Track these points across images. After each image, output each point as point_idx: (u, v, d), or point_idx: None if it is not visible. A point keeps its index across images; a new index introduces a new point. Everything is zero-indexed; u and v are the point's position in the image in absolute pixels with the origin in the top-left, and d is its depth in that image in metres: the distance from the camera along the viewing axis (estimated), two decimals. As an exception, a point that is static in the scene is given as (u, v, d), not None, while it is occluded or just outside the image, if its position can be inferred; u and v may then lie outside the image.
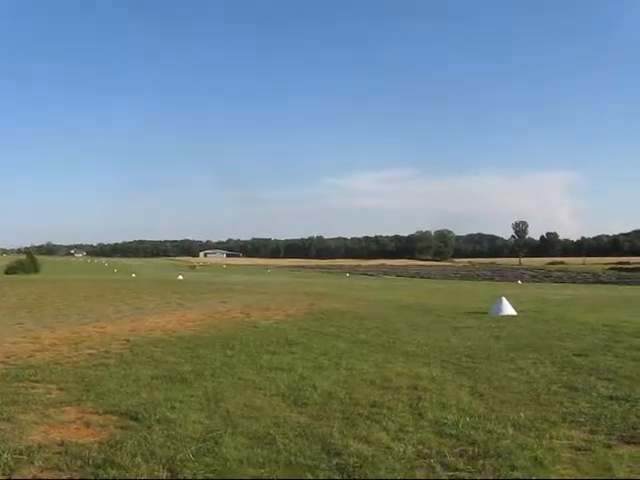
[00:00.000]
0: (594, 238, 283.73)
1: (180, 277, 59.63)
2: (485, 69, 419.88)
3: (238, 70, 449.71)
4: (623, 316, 20.47)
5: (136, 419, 7.49)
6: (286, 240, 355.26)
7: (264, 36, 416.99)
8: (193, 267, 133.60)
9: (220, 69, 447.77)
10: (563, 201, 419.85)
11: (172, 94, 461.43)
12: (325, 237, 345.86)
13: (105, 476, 5.62)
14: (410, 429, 7.15)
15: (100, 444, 6.52)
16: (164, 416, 7.57)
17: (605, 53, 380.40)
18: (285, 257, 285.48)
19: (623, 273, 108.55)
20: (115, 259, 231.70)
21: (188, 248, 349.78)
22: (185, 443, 6.52)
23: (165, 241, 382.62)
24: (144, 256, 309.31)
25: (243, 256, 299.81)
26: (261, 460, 6.04)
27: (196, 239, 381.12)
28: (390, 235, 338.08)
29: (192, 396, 8.69)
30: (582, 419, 7.63)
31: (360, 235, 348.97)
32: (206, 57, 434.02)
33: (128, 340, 14.20)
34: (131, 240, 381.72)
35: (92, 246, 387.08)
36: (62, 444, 6.53)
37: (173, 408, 7.97)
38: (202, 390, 9.07)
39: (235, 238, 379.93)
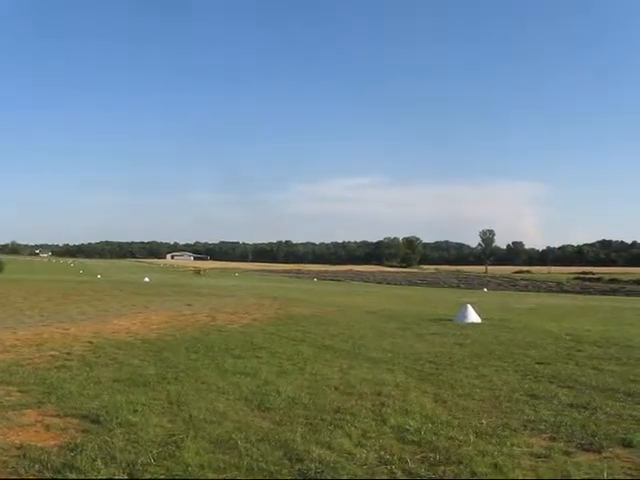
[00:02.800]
0: (559, 248, 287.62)
1: (146, 279, 59.12)
2: (455, 80, 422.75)
3: (206, 74, 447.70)
4: (585, 325, 20.76)
5: (97, 422, 7.41)
6: (254, 244, 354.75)
7: (240, 37, 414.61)
8: (198, 272, 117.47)
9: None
10: (529, 211, 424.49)
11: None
12: (293, 242, 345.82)
13: (64, 480, 5.55)
14: (373, 435, 7.17)
15: (60, 448, 6.44)
16: (126, 419, 7.51)
17: (568, 68, 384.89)
18: (253, 261, 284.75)
19: (587, 283, 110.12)
20: (81, 260, 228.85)
21: (155, 250, 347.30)
22: (146, 447, 6.46)
23: (132, 242, 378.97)
24: (110, 257, 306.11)
25: (211, 259, 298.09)
26: (222, 465, 6.01)
27: (163, 241, 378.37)
28: (358, 241, 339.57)
29: (155, 399, 8.63)
30: (542, 426, 7.71)
31: (328, 241, 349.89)
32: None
33: (91, 342, 14.06)
34: (97, 241, 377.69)
35: (58, 246, 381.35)
36: (21, 447, 6.43)
37: (135, 411, 7.90)
38: (165, 393, 9.02)
39: (203, 241, 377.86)
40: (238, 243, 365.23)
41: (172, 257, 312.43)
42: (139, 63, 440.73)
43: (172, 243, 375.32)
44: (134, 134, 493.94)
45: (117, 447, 6.44)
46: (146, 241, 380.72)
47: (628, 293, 79.61)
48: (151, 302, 26.76)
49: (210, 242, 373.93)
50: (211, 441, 6.78)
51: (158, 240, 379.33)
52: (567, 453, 6.67)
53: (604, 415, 8.27)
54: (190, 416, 7.78)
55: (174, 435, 6.94)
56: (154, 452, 6.29)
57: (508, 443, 6.94)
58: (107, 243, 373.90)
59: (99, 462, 5.96)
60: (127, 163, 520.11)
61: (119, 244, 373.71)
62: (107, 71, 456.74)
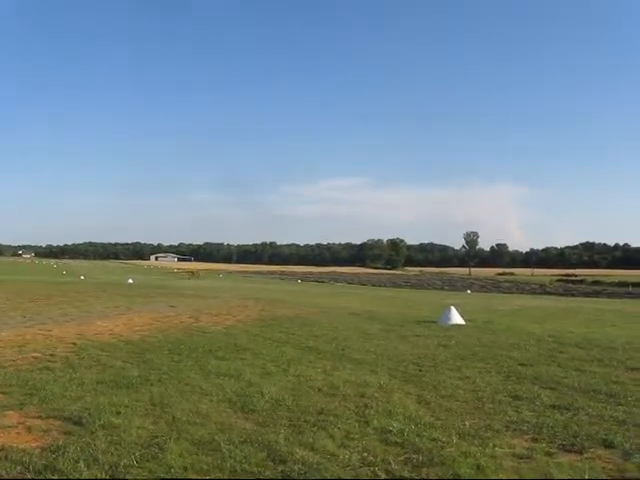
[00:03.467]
0: (543, 250, 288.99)
1: (130, 281, 58.87)
2: (436, 79, 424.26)
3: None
4: (568, 327, 20.90)
5: (80, 424, 7.38)
6: (238, 245, 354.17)
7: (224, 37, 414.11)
8: (192, 274, 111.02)
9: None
10: (513, 214, 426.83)
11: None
12: (278, 243, 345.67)
13: (46, 482, 5.52)
14: (356, 436, 7.18)
15: (42, 449, 6.41)
16: (108, 421, 7.48)
17: (555, 68, 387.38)
18: (237, 262, 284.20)
19: (569, 285, 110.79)
20: (64, 261, 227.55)
21: (139, 251, 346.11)
22: (129, 449, 6.44)
23: (116, 243, 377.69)
24: (94, 258, 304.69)
25: (195, 260, 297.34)
26: (205, 467, 6.01)
27: (147, 242, 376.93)
28: (342, 243, 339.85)
29: (138, 401, 8.60)
30: (525, 428, 7.75)
31: (313, 242, 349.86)
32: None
33: (74, 344, 13.99)
34: (81, 242, 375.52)
35: (41, 247, 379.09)
36: (2, 449, 6.40)
37: (118, 413, 7.87)
38: (148, 395, 8.99)
39: (187, 242, 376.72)
40: (222, 244, 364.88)
41: (156, 258, 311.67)
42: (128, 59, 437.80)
43: (156, 244, 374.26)
44: (119, 135, 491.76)
45: (99, 449, 6.41)
46: (130, 242, 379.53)
47: (610, 295, 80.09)
48: (134, 303, 26.65)
49: (194, 243, 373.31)
50: (194, 443, 6.76)
51: (142, 241, 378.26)
52: (549, 454, 6.71)
53: (586, 416, 8.32)
54: (173, 418, 7.76)
55: (157, 437, 6.92)
56: (137, 454, 6.27)
57: (491, 444, 6.97)
58: (91, 244, 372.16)
59: (81, 464, 5.93)
60: (112, 165, 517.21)
61: (103, 245, 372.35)
62: (97, 68, 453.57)
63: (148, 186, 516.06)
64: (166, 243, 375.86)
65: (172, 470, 5.88)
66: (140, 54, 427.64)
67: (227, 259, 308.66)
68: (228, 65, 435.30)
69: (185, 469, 5.93)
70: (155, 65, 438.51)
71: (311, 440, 6.97)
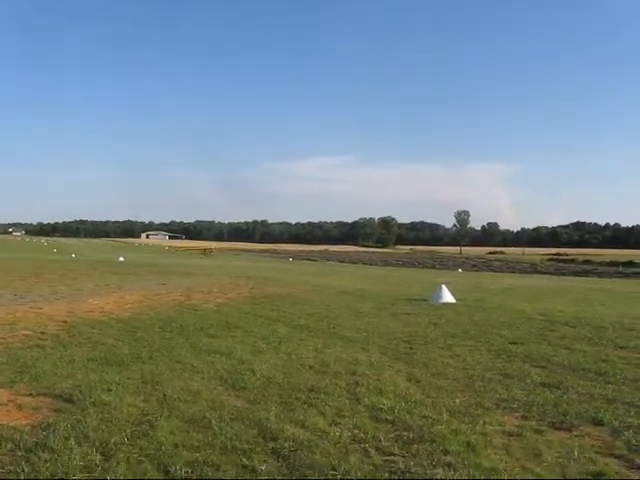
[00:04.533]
0: (534, 229, 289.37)
1: (121, 259, 58.80)
2: (423, 60, 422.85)
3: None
4: (558, 306, 20.98)
5: (71, 401, 7.38)
6: (230, 223, 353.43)
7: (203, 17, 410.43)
8: (204, 252, 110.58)
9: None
10: (504, 192, 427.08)
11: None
12: (269, 222, 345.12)
13: (37, 460, 5.51)
14: (347, 414, 7.20)
15: (32, 427, 6.41)
16: (99, 399, 7.47)
17: (546, 48, 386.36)
18: (228, 240, 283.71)
19: (560, 264, 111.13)
20: (55, 239, 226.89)
21: (130, 229, 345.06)
22: (120, 426, 6.45)
23: (107, 222, 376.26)
24: (85, 236, 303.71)
25: (186, 238, 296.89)
26: (196, 444, 6.02)
27: (138, 220, 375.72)
28: (334, 221, 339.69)
29: (129, 379, 8.60)
30: (515, 405, 7.80)
31: (304, 220, 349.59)
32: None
33: (65, 321, 13.97)
34: (72, 220, 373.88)
35: (32, 225, 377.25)
36: (-7, 426, 6.39)
37: (109, 391, 7.87)
38: (139, 373, 8.99)
39: (178, 220, 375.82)
40: (213, 222, 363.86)
41: (147, 236, 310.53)
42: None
43: (147, 222, 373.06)
44: (111, 112, 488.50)
45: (90, 426, 6.41)
46: (121, 220, 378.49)
47: (601, 274, 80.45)
48: (125, 281, 26.63)
49: (186, 221, 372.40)
50: (185, 420, 6.77)
51: (133, 219, 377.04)
52: (539, 431, 6.76)
53: (575, 394, 8.37)
54: (164, 395, 7.76)
55: (148, 414, 6.92)
56: (128, 431, 6.28)
57: (481, 422, 7.02)
58: (81, 222, 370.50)
59: (72, 441, 5.93)
60: (103, 142, 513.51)
61: (93, 223, 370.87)
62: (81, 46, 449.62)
63: (138, 165, 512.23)
64: (157, 221, 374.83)
65: (163, 447, 5.88)
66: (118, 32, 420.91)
67: (218, 237, 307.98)
68: (215, 39, 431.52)
69: (176, 446, 5.94)
70: (136, 44, 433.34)
71: (302, 417, 6.99)
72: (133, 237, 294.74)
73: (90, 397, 7.50)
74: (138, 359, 9.96)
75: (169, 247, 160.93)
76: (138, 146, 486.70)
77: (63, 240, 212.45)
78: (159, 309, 16.89)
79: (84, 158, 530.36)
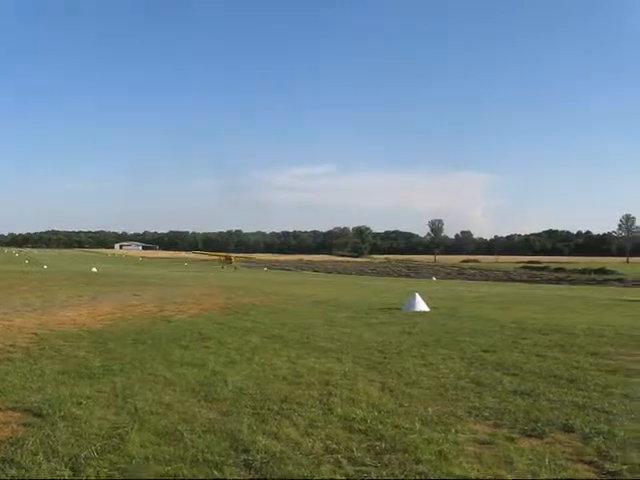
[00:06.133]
0: (507, 237, 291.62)
1: (94, 269, 58.36)
2: (398, 66, 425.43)
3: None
4: (531, 313, 21.11)
5: (40, 415, 7.30)
6: (204, 233, 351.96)
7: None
8: (225, 261, 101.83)
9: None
10: (478, 201, 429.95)
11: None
12: (244, 231, 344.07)
13: (3, 476, 5.44)
14: (319, 424, 7.19)
15: (0, 442, 6.32)
16: (69, 412, 7.41)
17: (520, 55, 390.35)
18: (203, 251, 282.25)
19: (533, 272, 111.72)
20: (27, 250, 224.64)
21: (103, 240, 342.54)
22: (90, 440, 6.39)
23: (79, 232, 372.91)
24: (57, 247, 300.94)
25: (160, 249, 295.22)
26: (168, 457, 5.98)
27: (112, 230, 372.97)
28: (309, 231, 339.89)
29: (100, 392, 8.53)
30: (487, 413, 7.84)
31: (279, 230, 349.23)
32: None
33: (36, 334, 13.83)
34: (44, 230, 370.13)
35: (3, 236, 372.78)
36: (-41, 442, 6.29)
37: (79, 404, 7.80)
38: (110, 385, 8.91)
39: (152, 230, 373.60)
40: (188, 232, 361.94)
41: (120, 247, 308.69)
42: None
43: (120, 233, 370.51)
44: (82, 121, 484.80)
45: (60, 441, 6.34)
46: (94, 230, 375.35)
47: (573, 282, 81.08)
48: (98, 292, 26.44)
49: (159, 231, 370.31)
50: (156, 433, 6.73)
51: (106, 230, 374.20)
52: (510, 439, 6.80)
53: (547, 401, 8.44)
54: (135, 408, 7.70)
55: (119, 428, 6.86)
56: (98, 445, 6.22)
57: (453, 430, 7.05)
58: (54, 232, 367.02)
59: (40, 456, 5.86)
60: (77, 151, 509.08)
61: (66, 234, 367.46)
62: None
63: (112, 175, 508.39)
64: (130, 231, 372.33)
65: (133, 461, 5.85)
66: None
67: (192, 247, 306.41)
68: (194, 45, 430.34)
69: (147, 459, 5.90)
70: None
71: (274, 428, 6.97)
72: (106, 247, 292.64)
73: (60, 411, 7.43)
74: (109, 371, 9.87)
75: (142, 257, 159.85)
76: (113, 157, 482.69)
77: (35, 251, 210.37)
78: (132, 321, 16.77)
79: (55, 168, 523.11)
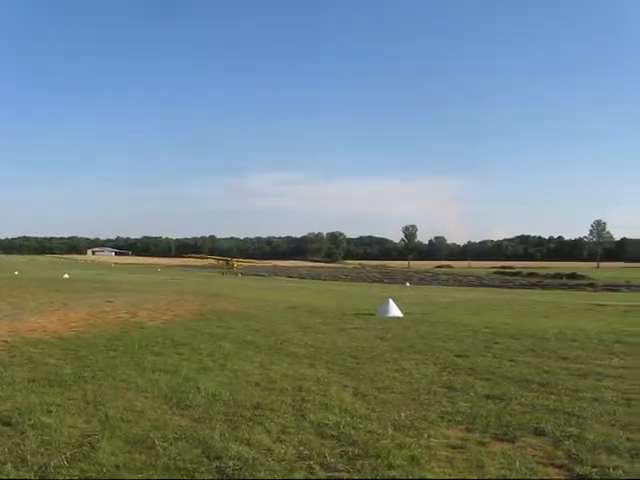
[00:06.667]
0: (480, 243, 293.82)
1: (66, 275, 57.82)
2: (370, 72, 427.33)
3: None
4: (503, 318, 21.27)
5: (9, 424, 7.22)
6: (177, 239, 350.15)
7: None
8: (227, 265, 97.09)
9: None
10: (451, 207, 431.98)
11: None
12: (217, 237, 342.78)
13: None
14: (292, 430, 7.18)
15: (-32, 452, 6.24)
16: (39, 421, 7.33)
17: (490, 61, 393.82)
18: (177, 256, 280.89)
19: (506, 277, 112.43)
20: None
21: (75, 246, 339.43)
22: (60, 449, 6.33)
23: (51, 238, 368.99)
24: (29, 253, 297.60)
25: (133, 254, 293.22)
26: (139, 465, 5.93)
27: (84, 236, 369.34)
28: (283, 236, 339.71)
29: (70, 399, 8.45)
30: (459, 418, 7.87)
31: (252, 236, 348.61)
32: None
33: (6, 341, 13.67)
34: (15, 236, 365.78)
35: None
36: None
37: (49, 412, 7.73)
38: (81, 393, 8.84)
39: (124, 236, 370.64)
40: (161, 238, 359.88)
41: (93, 253, 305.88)
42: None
43: (93, 238, 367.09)
44: (50, 125, 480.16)
45: (29, 450, 6.27)
46: (66, 236, 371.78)
47: (545, 287, 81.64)
48: (70, 299, 26.16)
49: (132, 237, 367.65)
50: (127, 441, 6.67)
51: (79, 235, 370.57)
52: (482, 443, 6.82)
53: (518, 405, 8.50)
54: (106, 416, 7.64)
55: (89, 436, 6.81)
56: (68, 454, 6.16)
57: (425, 435, 7.06)
58: (25, 238, 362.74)
59: (9, 465, 5.80)
60: (45, 155, 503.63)
61: (37, 239, 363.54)
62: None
63: (83, 179, 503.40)
64: (103, 237, 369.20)
65: (104, 469, 5.79)
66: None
67: (166, 253, 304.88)
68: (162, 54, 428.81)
69: (117, 467, 5.85)
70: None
71: (247, 435, 6.95)
72: (79, 253, 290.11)
73: (30, 419, 7.35)
74: (81, 379, 9.79)
75: (115, 263, 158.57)
76: (84, 162, 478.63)
77: (5, 257, 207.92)
78: (104, 327, 16.64)
79: (26, 172, 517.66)
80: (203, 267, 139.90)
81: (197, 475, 5.73)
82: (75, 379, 9.76)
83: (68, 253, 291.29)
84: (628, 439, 6.92)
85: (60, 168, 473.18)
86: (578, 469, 6.03)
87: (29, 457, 6.05)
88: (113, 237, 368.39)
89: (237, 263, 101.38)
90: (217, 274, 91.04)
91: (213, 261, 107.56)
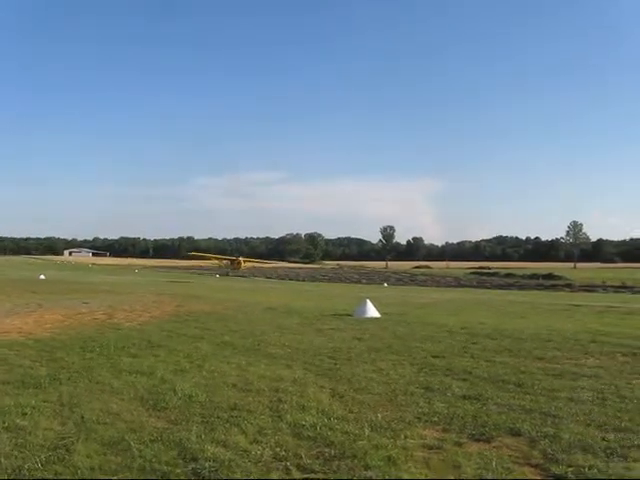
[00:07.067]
0: (457, 243, 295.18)
1: (42, 276, 57.35)
2: (351, 75, 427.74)
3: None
4: (480, 319, 21.35)
5: (-18, 427, 7.14)
6: (155, 240, 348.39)
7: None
8: (229, 266, 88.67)
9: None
10: (429, 207, 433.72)
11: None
12: (195, 238, 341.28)
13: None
14: (269, 432, 7.17)
15: (-59, 454, 6.17)
16: (13, 423, 7.27)
17: (465, 61, 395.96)
18: (154, 257, 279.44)
19: (483, 277, 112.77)
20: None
21: (52, 246, 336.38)
22: (34, 451, 6.28)
23: (27, 238, 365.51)
24: (4, 254, 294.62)
25: (110, 255, 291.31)
26: (114, 467, 5.90)
27: (61, 237, 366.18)
28: (261, 237, 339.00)
29: (45, 401, 8.39)
30: (436, 418, 7.89)
31: (231, 236, 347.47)
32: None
33: (-20, 343, 13.52)
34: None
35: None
36: None
37: (24, 414, 7.67)
38: (57, 395, 8.77)
39: (102, 237, 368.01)
40: (139, 239, 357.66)
41: (70, 253, 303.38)
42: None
43: (70, 239, 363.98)
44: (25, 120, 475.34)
45: (2, 453, 6.22)
46: (42, 237, 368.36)
47: (522, 287, 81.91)
48: (46, 300, 26.00)
49: (110, 238, 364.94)
50: (103, 443, 6.63)
51: (56, 236, 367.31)
52: (459, 444, 6.85)
53: (495, 406, 8.54)
54: (82, 418, 7.59)
55: (64, 438, 6.76)
56: (42, 456, 6.11)
57: (402, 436, 7.08)
58: (0, 239, 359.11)
59: (-18, 469, 5.73)
60: (17, 153, 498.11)
61: (13, 240, 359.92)
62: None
63: (64, 178, 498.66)
64: (80, 238, 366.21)
65: (79, 472, 5.76)
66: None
67: (143, 254, 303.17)
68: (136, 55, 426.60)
69: (92, 470, 5.82)
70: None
71: (223, 437, 6.93)
72: (56, 254, 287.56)
73: (4, 422, 7.29)
74: (56, 381, 9.72)
75: (93, 264, 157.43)
76: (59, 162, 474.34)
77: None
78: (80, 329, 16.53)
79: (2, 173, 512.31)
80: (175, 268, 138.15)
81: (173, 477, 5.71)
82: (50, 381, 9.69)
83: (45, 254, 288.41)
84: (603, 439, 6.98)
85: (42, 168, 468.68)
86: (554, 469, 6.07)
87: (3, 460, 6.00)
88: (90, 238, 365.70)
89: (245, 263, 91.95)
90: (209, 275, 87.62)
91: (216, 261, 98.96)
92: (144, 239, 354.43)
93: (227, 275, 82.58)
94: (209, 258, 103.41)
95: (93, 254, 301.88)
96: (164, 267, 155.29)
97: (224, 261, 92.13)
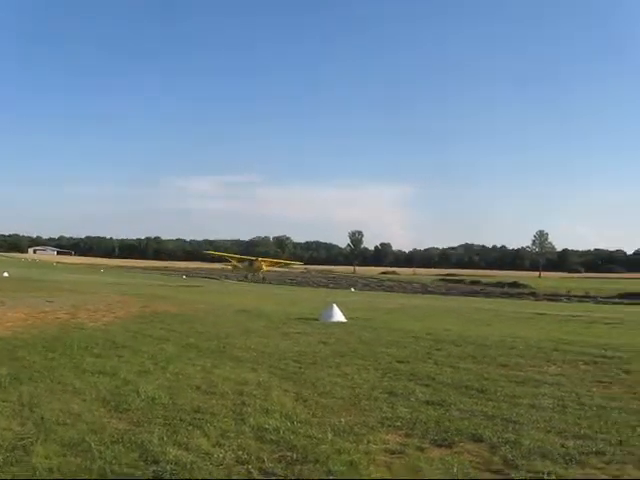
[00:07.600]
0: (425, 250, 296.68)
1: (5, 274, 56.51)
2: (319, 79, 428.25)
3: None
4: (446, 325, 21.50)
5: (-61, 427, 7.02)
6: (121, 239, 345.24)
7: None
8: (256, 267, 78.93)
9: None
10: (398, 214, 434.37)
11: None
12: (163, 238, 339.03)
13: None
14: (231, 435, 7.14)
15: None
16: (-29, 423, 7.14)
17: (446, 61, 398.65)
18: (120, 257, 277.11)
19: (450, 284, 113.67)
20: None
21: (16, 244, 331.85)
22: (-9, 452, 6.17)
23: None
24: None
25: (76, 254, 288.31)
26: (74, 469, 5.84)
27: (25, 234, 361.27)
28: (230, 239, 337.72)
29: (5, 401, 8.28)
30: (399, 423, 7.92)
31: (200, 238, 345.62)
32: None
33: (-61, 341, 13.29)
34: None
35: None
36: None
37: (-18, 414, 7.54)
38: (17, 395, 8.66)
39: (67, 235, 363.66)
40: (104, 238, 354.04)
41: (34, 251, 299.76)
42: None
43: (35, 237, 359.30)
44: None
45: (-42, 453, 6.11)
46: (7, 234, 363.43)
47: (488, 294, 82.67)
48: (9, 298, 25.56)
49: (75, 236, 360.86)
50: (63, 444, 6.55)
51: (20, 233, 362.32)
52: (421, 449, 6.89)
53: (457, 411, 8.60)
54: (42, 418, 7.50)
55: (23, 439, 6.67)
56: (0, 458, 6.00)
57: (365, 440, 7.09)
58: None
59: (-64, 470, 5.64)
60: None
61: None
62: None
63: (29, 177, 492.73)
64: (45, 236, 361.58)
65: (37, 473, 5.69)
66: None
67: (109, 253, 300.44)
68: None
69: (51, 471, 5.75)
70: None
71: (185, 439, 6.89)
72: (20, 252, 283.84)
73: (-39, 421, 7.17)
74: (17, 380, 9.59)
75: (57, 262, 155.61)
76: (29, 159, 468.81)
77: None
78: (43, 328, 16.32)
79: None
80: (141, 268, 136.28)
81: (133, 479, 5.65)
82: (11, 380, 9.55)
83: (9, 251, 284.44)
84: (562, 445, 7.05)
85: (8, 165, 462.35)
86: (513, 474, 6.13)
87: (-42, 461, 5.90)
88: (55, 236, 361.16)
89: (265, 264, 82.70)
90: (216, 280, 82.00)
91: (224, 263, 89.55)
92: (110, 238, 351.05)
93: (246, 279, 74.67)
94: (228, 259, 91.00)
95: (58, 252, 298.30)
96: (130, 267, 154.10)
97: (242, 262, 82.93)
